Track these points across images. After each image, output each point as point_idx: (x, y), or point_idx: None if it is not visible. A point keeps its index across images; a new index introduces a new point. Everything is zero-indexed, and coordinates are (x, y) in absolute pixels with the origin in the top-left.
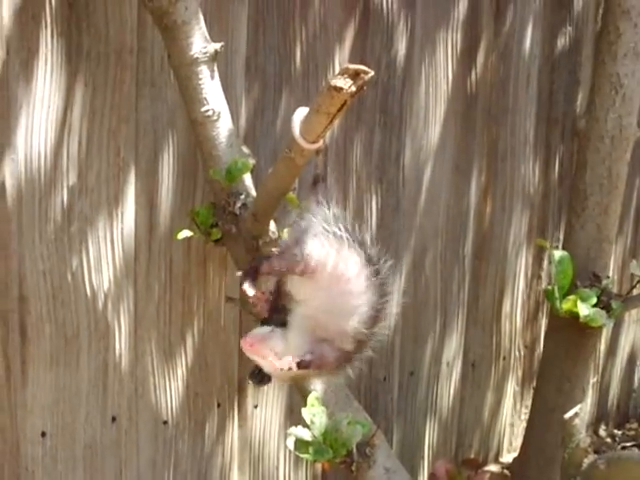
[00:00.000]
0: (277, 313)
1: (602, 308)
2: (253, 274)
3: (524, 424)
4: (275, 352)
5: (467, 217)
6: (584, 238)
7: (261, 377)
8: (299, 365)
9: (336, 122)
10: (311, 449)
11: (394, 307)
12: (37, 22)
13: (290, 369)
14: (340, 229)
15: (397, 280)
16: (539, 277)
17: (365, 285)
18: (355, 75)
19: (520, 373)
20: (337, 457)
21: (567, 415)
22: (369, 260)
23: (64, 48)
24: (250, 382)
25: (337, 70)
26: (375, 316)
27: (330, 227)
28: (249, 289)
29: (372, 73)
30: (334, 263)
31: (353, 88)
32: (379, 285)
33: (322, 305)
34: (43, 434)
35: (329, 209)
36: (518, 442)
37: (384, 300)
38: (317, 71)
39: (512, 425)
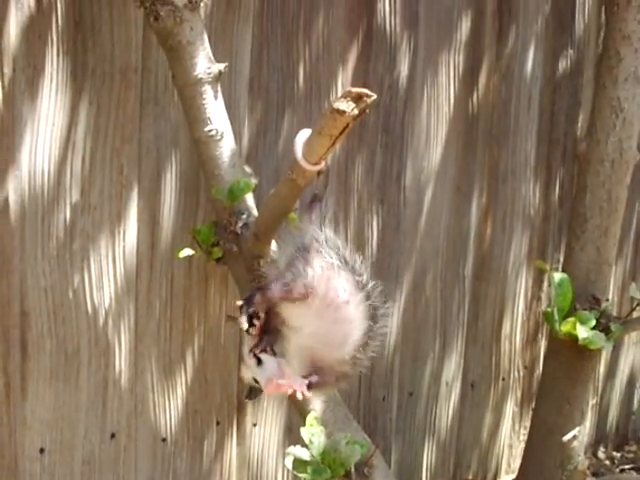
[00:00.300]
0: (267, 334)
1: (601, 331)
2: (248, 305)
3: (523, 445)
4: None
5: (467, 238)
6: (584, 260)
7: (255, 394)
8: (309, 387)
9: (338, 144)
10: (309, 469)
11: (388, 328)
12: (43, 41)
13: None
14: (331, 255)
15: (390, 303)
16: (539, 298)
17: (357, 311)
18: (358, 98)
19: (519, 394)
20: (335, 477)
21: (566, 437)
22: (360, 286)
23: (69, 66)
24: (247, 401)
25: (340, 91)
26: (368, 341)
27: (322, 251)
28: (244, 323)
29: (375, 96)
30: (325, 290)
31: (355, 111)
32: (371, 310)
33: (316, 334)
34: (42, 450)
35: (322, 231)
36: (516, 463)
37: (377, 325)
38: (320, 92)
39: (511, 446)
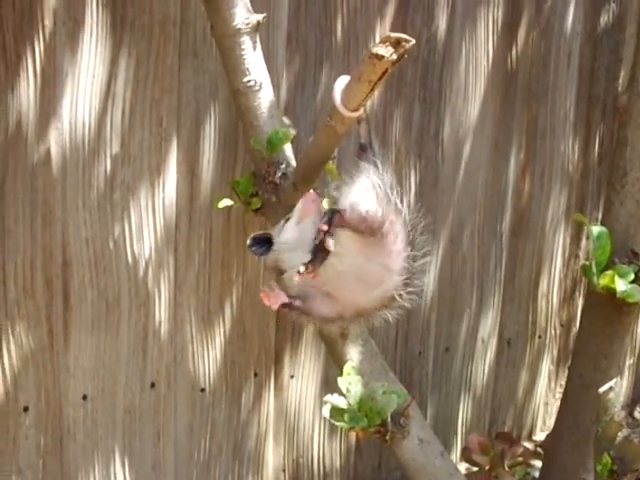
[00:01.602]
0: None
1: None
2: (329, 225)
3: (558, 403)
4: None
5: (505, 194)
6: (623, 214)
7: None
8: (284, 305)
9: (377, 90)
10: (346, 417)
11: (423, 286)
12: None
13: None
14: (396, 198)
15: (428, 260)
16: (577, 256)
17: (401, 263)
18: (396, 43)
19: (555, 352)
20: (372, 426)
21: (602, 389)
22: (409, 238)
23: (109, 19)
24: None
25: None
26: (391, 299)
27: (390, 195)
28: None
29: (413, 41)
30: (387, 232)
31: (394, 56)
32: (410, 272)
33: (355, 267)
34: (84, 397)
35: (383, 174)
36: (552, 421)
37: (408, 288)
38: (357, 45)
39: (546, 404)
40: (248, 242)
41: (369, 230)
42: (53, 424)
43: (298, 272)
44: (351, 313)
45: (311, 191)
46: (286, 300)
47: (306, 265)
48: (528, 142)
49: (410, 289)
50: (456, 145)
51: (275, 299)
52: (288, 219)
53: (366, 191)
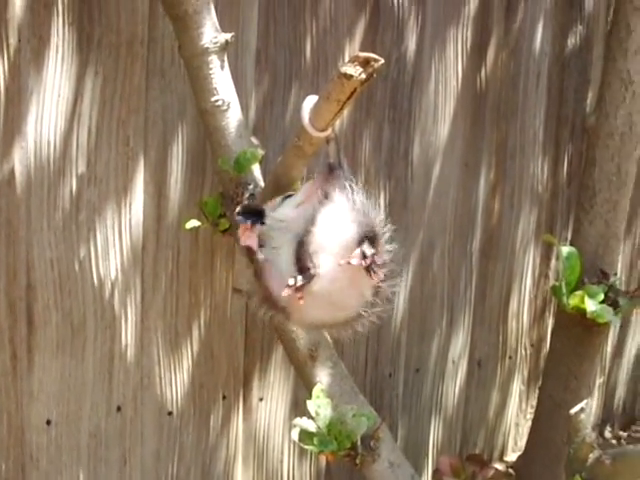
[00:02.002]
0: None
1: (609, 305)
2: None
3: (529, 424)
4: None
5: (475, 214)
6: (592, 235)
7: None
8: (248, 249)
9: (346, 110)
10: (316, 440)
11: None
12: (49, 11)
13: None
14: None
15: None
16: (546, 276)
17: (372, 288)
18: (365, 63)
19: (526, 372)
20: (341, 449)
21: (573, 410)
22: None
23: (75, 37)
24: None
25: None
26: (355, 318)
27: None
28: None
29: (382, 61)
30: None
31: (363, 75)
32: (379, 291)
33: (329, 292)
34: (48, 422)
35: (354, 194)
36: (523, 442)
37: (375, 308)
38: (327, 66)
39: (517, 425)
40: (237, 210)
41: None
42: (15, 450)
43: (287, 286)
44: (305, 320)
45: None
46: (255, 247)
47: (294, 282)
48: (498, 162)
49: (377, 308)
50: (426, 165)
51: (249, 237)
52: (289, 196)
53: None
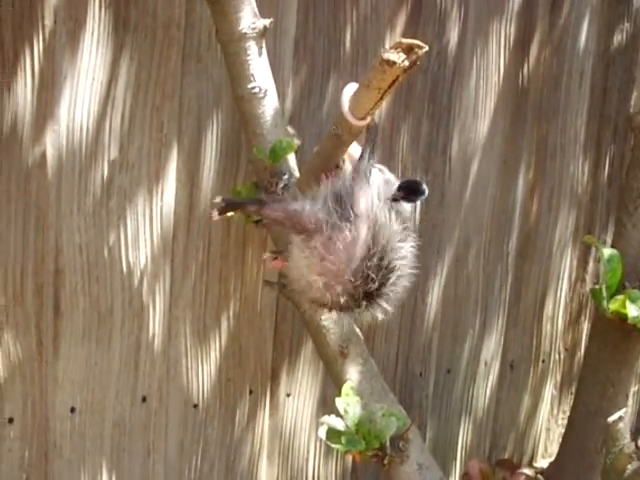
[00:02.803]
0: None
1: None
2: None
3: (561, 429)
4: None
5: (513, 214)
6: (635, 237)
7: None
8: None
9: (386, 100)
10: (343, 439)
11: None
12: None
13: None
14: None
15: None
16: (583, 279)
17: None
18: (409, 49)
19: (559, 377)
20: (369, 449)
21: (611, 418)
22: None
23: (111, 21)
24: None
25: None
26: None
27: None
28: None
29: (426, 48)
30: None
31: (406, 62)
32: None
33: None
34: (72, 410)
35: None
36: (554, 448)
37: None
38: (366, 56)
39: (548, 430)
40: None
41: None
42: (39, 437)
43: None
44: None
45: None
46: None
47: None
48: (537, 161)
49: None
50: (464, 162)
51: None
52: None
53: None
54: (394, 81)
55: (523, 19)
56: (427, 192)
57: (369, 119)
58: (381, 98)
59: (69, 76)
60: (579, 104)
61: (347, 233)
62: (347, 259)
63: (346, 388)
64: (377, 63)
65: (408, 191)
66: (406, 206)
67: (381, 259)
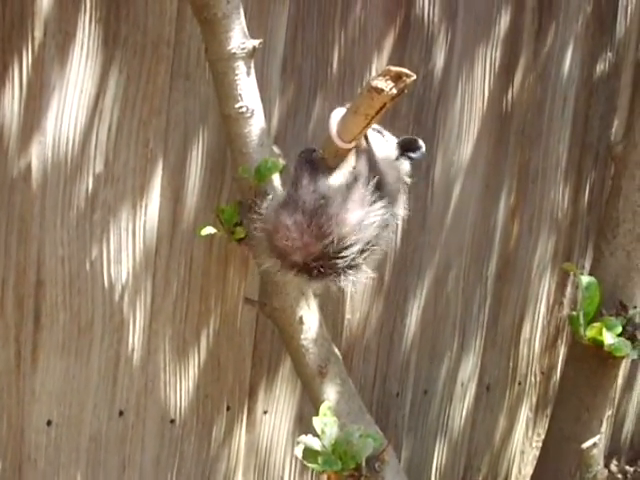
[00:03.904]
0: None
1: (627, 338)
2: None
3: (535, 452)
4: None
5: (493, 237)
6: (613, 265)
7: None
8: None
9: (373, 125)
10: (320, 459)
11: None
12: (76, 7)
13: None
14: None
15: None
16: (561, 303)
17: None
18: (397, 78)
19: (534, 399)
20: (345, 469)
21: (586, 444)
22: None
23: (101, 35)
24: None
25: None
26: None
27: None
28: None
29: (414, 77)
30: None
31: (394, 91)
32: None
33: None
34: (49, 422)
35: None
36: (528, 469)
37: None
38: (353, 77)
39: (523, 452)
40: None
41: None
42: (13, 449)
43: None
44: None
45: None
46: None
47: None
48: (519, 185)
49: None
50: (446, 185)
51: None
52: None
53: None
54: (381, 108)
55: (509, 45)
56: (424, 149)
57: (354, 143)
58: (368, 123)
59: (57, 88)
60: (561, 130)
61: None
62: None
63: (324, 408)
64: (365, 90)
65: (406, 149)
66: (405, 164)
67: (342, 238)
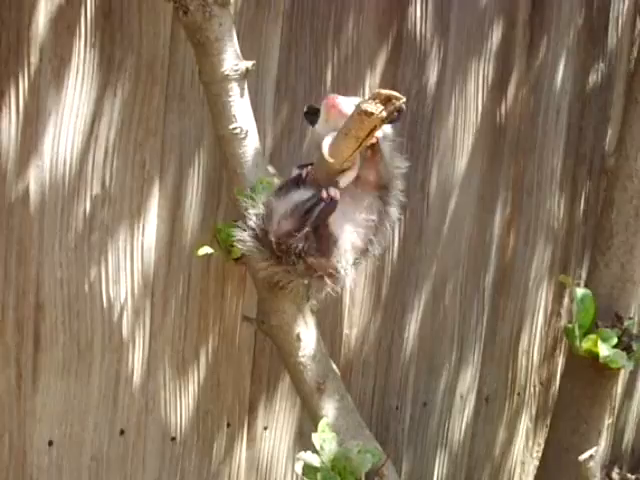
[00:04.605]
0: None
1: (623, 349)
2: None
3: (535, 462)
4: None
5: (489, 249)
6: (608, 277)
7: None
8: None
9: (364, 147)
10: (319, 475)
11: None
12: (71, 32)
13: None
14: None
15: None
16: (558, 314)
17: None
18: (386, 100)
19: (534, 410)
20: None
21: (582, 457)
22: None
23: (96, 59)
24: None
25: (367, 95)
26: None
27: None
28: None
29: (404, 99)
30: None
31: (384, 113)
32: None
33: None
34: (50, 443)
35: None
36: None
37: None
38: (347, 95)
39: (523, 463)
40: (305, 109)
41: None
42: (15, 470)
43: None
44: None
45: (329, 95)
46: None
47: None
48: (514, 198)
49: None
50: (442, 198)
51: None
52: None
53: None
54: (372, 130)
55: (501, 59)
56: (405, 109)
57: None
58: (359, 146)
59: (53, 112)
60: (555, 142)
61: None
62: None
63: (322, 425)
64: (355, 113)
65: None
66: (387, 127)
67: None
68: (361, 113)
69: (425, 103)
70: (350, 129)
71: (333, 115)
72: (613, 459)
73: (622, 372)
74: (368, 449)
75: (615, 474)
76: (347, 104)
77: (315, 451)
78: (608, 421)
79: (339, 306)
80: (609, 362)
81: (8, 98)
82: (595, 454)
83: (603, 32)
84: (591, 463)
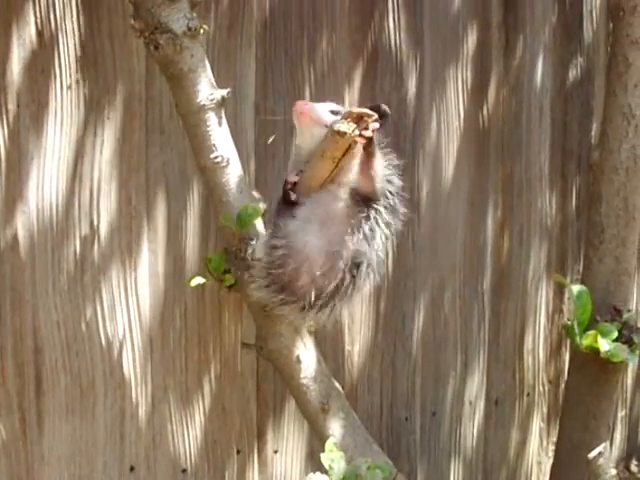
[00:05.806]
0: None
1: (624, 342)
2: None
3: (552, 461)
4: None
5: (484, 253)
6: (602, 271)
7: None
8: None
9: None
10: None
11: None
12: (46, 75)
13: None
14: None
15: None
16: (561, 310)
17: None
18: (359, 119)
19: (545, 409)
20: None
21: (591, 454)
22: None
23: (73, 100)
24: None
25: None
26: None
27: None
28: None
29: (376, 116)
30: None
31: (357, 132)
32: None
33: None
34: None
35: None
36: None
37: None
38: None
39: (539, 463)
40: None
41: None
42: None
43: None
44: None
45: (297, 103)
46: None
47: None
48: (504, 199)
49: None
50: (432, 207)
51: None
52: None
53: None
54: (347, 149)
55: (479, 63)
56: (389, 112)
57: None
58: (336, 166)
59: (35, 157)
60: (541, 140)
61: None
62: None
63: (329, 444)
64: (329, 134)
65: None
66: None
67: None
68: (334, 134)
69: (407, 114)
70: (325, 150)
71: (304, 123)
72: (630, 451)
73: (630, 364)
74: (377, 464)
75: (634, 466)
76: (319, 110)
77: (325, 471)
78: (621, 413)
79: (338, 323)
80: (611, 356)
81: None
82: (604, 451)
83: (578, 26)
84: (601, 460)
